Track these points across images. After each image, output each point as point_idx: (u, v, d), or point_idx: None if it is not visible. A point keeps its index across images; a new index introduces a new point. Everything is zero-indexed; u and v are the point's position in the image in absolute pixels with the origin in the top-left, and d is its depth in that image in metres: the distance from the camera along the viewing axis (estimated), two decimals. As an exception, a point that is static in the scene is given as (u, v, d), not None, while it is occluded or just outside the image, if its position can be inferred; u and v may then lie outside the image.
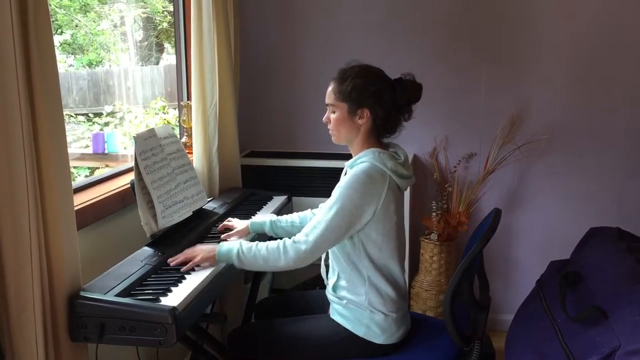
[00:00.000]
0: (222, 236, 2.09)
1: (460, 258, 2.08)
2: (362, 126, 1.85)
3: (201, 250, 1.82)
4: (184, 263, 1.79)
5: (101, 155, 2.74)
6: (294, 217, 2.16)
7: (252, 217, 2.30)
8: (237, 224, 2.14)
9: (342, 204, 1.75)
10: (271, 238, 2.18)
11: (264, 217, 2.19)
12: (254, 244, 1.80)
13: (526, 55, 2.92)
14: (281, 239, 1.82)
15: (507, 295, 3.06)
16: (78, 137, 2.54)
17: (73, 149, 2.67)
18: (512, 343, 2.08)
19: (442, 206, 2.94)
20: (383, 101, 1.82)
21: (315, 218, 1.80)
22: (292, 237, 1.79)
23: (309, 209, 2.17)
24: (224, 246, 1.82)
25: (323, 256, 1.96)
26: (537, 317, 1.99)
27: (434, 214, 2.91)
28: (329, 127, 1.90)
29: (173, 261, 1.81)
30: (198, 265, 1.80)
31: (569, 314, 1.79)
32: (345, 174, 1.89)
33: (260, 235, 2.14)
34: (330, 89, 1.87)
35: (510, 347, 2.07)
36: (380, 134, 1.89)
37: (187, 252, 1.82)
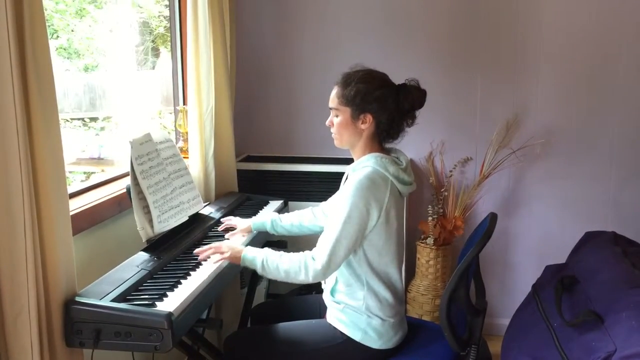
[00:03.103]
0: (226, 235, 2.13)
1: (456, 262, 2.08)
2: (365, 131, 1.85)
3: (229, 248, 1.85)
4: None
5: (97, 159, 2.73)
6: (293, 217, 2.19)
7: (253, 216, 2.32)
8: (239, 223, 2.16)
9: (349, 213, 1.75)
10: (273, 236, 2.23)
11: (266, 216, 2.22)
12: (278, 255, 1.80)
13: (522, 60, 2.93)
14: (284, 243, 1.84)
15: (503, 300, 3.06)
16: (74, 141, 2.53)
17: (68, 153, 2.66)
18: (508, 347, 2.08)
19: (438, 210, 2.94)
20: (386, 106, 1.82)
21: (325, 231, 1.80)
22: (312, 253, 1.78)
23: (310, 208, 2.19)
24: (250, 253, 1.82)
25: None
26: (533, 321, 1.99)
27: (430, 218, 2.91)
28: (332, 130, 1.90)
29: (201, 254, 1.86)
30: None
31: (565, 318, 1.79)
32: (347, 179, 1.89)
33: (263, 233, 2.19)
34: (334, 92, 1.88)
35: (507, 352, 2.07)
36: (382, 139, 1.89)
37: (214, 246, 1.87)
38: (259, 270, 1.81)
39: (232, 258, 1.83)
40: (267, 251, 1.82)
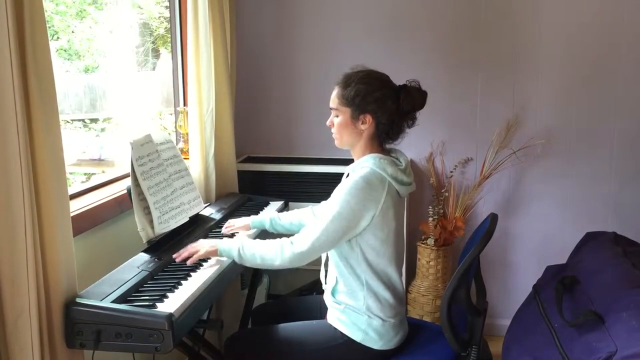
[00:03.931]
0: (224, 231, 2.15)
1: (457, 263, 2.08)
2: (365, 131, 1.85)
3: (203, 245, 1.87)
4: (188, 258, 1.85)
5: (97, 160, 2.73)
6: (292, 216, 2.19)
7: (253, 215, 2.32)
8: (238, 221, 2.18)
9: (340, 209, 1.76)
10: (272, 234, 2.22)
11: (265, 215, 2.23)
12: (254, 242, 1.84)
13: (522, 60, 2.93)
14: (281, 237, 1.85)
15: (504, 300, 3.06)
16: (74, 142, 2.54)
17: (69, 154, 2.66)
18: (509, 348, 2.08)
19: (439, 211, 2.94)
20: (386, 107, 1.82)
21: (314, 221, 1.82)
22: (291, 238, 1.81)
23: (309, 207, 2.19)
24: (225, 242, 1.86)
25: (323, 258, 1.96)
26: (534, 321, 1.99)
27: (430, 219, 2.91)
28: (332, 130, 1.91)
29: (178, 257, 1.86)
30: (204, 261, 1.87)
31: (565, 318, 1.79)
32: (347, 178, 1.89)
33: (263, 232, 2.19)
34: (334, 93, 1.88)
35: (507, 352, 2.07)
36: (382, 140, 1.89)
37: (190, 247, 1.88)
38: (237, 259, 1.83)
39: (208, 253, 1.85)
40: (244, 239, 1.86)
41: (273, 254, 1.79)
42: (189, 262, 1.84)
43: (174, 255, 1.87)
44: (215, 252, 1.85)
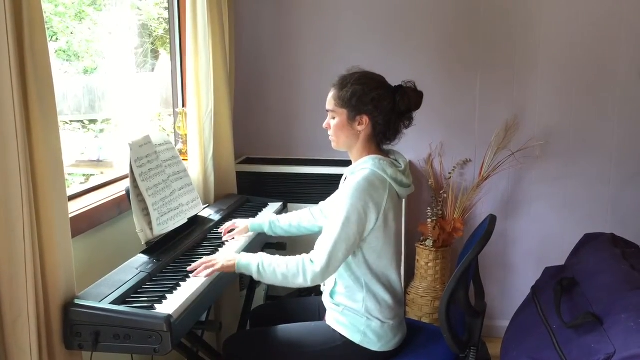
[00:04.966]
0: (224, 238, 2.13)
1: (455, 264, 2.08)
2: (362, 133, 1.85)
3: (220, 259, 1.80)
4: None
5: (96, 162, 2.74)
6: (292, 218, 2.19)
7: (252, 218, 2.31)
8: (239, 223, 2.18)
9: (347, 215, 1.75)
10: (272, 238, 2.23)
11: (264, 217, 2.22)
12: (274, 259, 1.77)
13: (520, 61, 2.94)
14: (283, 245, 1.83)
15: (502, 302, 3.06)
16: (73, 143, 2.54)
17: (68, 155, 2.66)
18: (507, 349, 2.08)
19: (438, 212, 2.94)
20: (382, 108, 1.82)
21: (323, 234, 1.79)
22: (309, 256, 1.76)
23: (308, 208, 2.19)
24: (244, 257, 1.79)
25: None
26: (533, 323, 1.99)
27: (429, 220, 2.91)
28: (329, 132, 1.90)
29: (194, 272, 1.77)
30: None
31: (564, 320, 1.79)
32: (345, 181, 1.89)
33: (262, 235, 2.19)
34: (330, 95, 1.88)
35: (506, 354, 2.07)
36: (380, 141, 1.89)
37: (205, 260, 1.80)
38: (255, 276, 1.77)
39: (225, 268, 1.78)
40: (263, 255, 1.80)
41: (295, 272, 1.73)
42: (205, 275, 1.75)
43: (188, 269, 1.79)
44: (233, 267, 1.78)
